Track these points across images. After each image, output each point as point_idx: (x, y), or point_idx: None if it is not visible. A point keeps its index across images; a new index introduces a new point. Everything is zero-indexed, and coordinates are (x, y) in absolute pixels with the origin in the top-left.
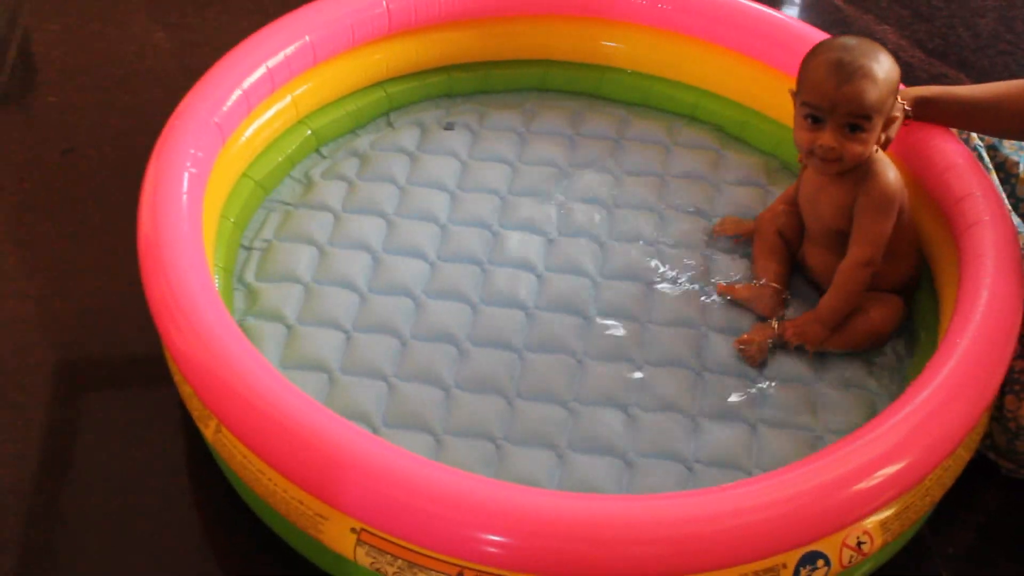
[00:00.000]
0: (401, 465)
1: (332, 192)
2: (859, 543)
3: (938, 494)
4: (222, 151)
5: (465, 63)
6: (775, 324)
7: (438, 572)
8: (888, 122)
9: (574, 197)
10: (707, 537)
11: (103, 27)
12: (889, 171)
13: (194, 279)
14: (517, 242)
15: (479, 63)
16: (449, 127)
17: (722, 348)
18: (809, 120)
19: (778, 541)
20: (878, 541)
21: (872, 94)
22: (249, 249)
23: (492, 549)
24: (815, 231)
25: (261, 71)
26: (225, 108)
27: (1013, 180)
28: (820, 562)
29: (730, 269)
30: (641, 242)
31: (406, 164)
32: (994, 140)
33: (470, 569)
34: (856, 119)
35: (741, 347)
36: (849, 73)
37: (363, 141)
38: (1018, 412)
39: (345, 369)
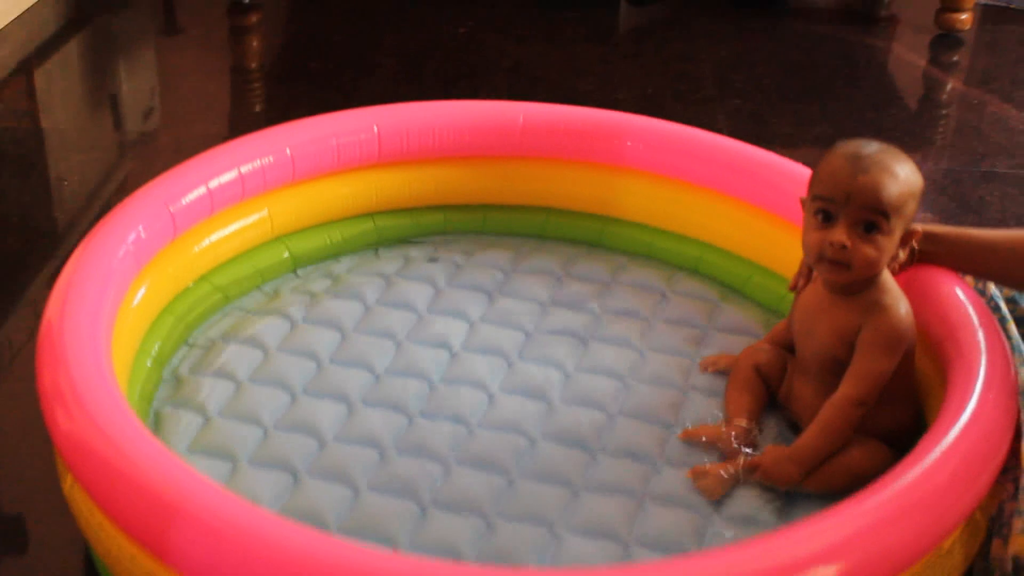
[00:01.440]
0: (242, 518)
1: (295, 302)
2: None
3: None
4: (179, 248)
5: (462, 204)
6: (740, 459)
7: None
8: (906, 237)
9: (547, 330)
10: None
11: None
12: (901, 305)
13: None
14: (476, 363)
15: (477, 205)
16: (434, 260)
17: (673, 480)
18: (820, 217)
19: None
20: None
21: (892, 189)
22: (191, 346)
23: None
24: (806, 357)
25: (232, 174)
26: (184, 201)
27: None
28: None
29: (703, 410)
30: (610, 377)
31: (380, 286)
32: (1014, 292)
33: None
34: (873, 214)
35: (695, 476)
36: (867, 165)
37: (342, 265)
38: (1004, 558)
39: (252, 461)
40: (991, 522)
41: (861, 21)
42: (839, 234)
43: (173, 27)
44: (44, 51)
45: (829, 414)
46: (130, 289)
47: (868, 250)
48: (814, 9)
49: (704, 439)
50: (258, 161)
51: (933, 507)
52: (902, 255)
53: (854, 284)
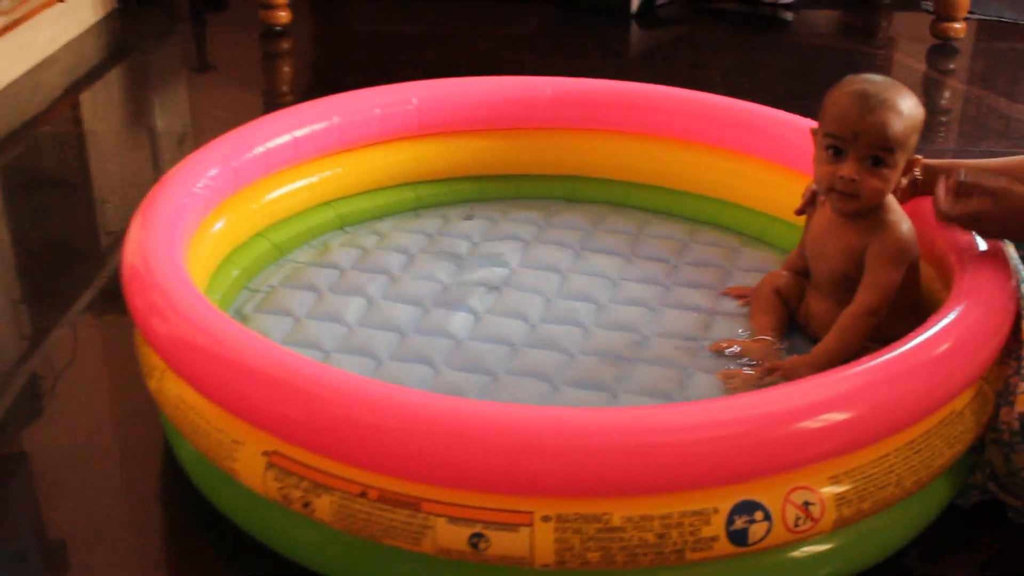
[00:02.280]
0: (312, 376)
1: (344, 254)
2: (806, 503)
3: (908, 481)
4: (239, 205)
5: (496, 174)
6: (765, 363)
7: (342, 492)
8: (909, 165)
9: (581, 271)
10: (616, 449)
11: None
12: (903, 223)
13: (160, 251)
14: (517, 298)
15: (510, 175)
16: (470, 218)
17: (705, 384)
18: (831, 152)
19: (705, 468)
20: (831, 514)
21: (897, 126)
22: (254, 291)
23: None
24: (820, 276)
25: (286, 137)
26: (246, 157)
27: None
28: (759, 514)
29: (730, 331)
30: (642, 306)
31: (422, 240)
32: None
33: (373, 488)
34: (879, 151)
35: (725, 378)
36: (875, 104)
37: (386, 224)
38: (1011, 420)
39: None
40: (998, 396)
41: (860, 34)
42: (848, 169)
43: (204, 63)
44: (90, 78)
45: (845, 323)
46: (195, 237)
47: (875, 182)
48: (815, 25)
49: (732, 350)
50: (308, 128)
51: (940, 367)
52: (904, 182)
53: (861, 210)
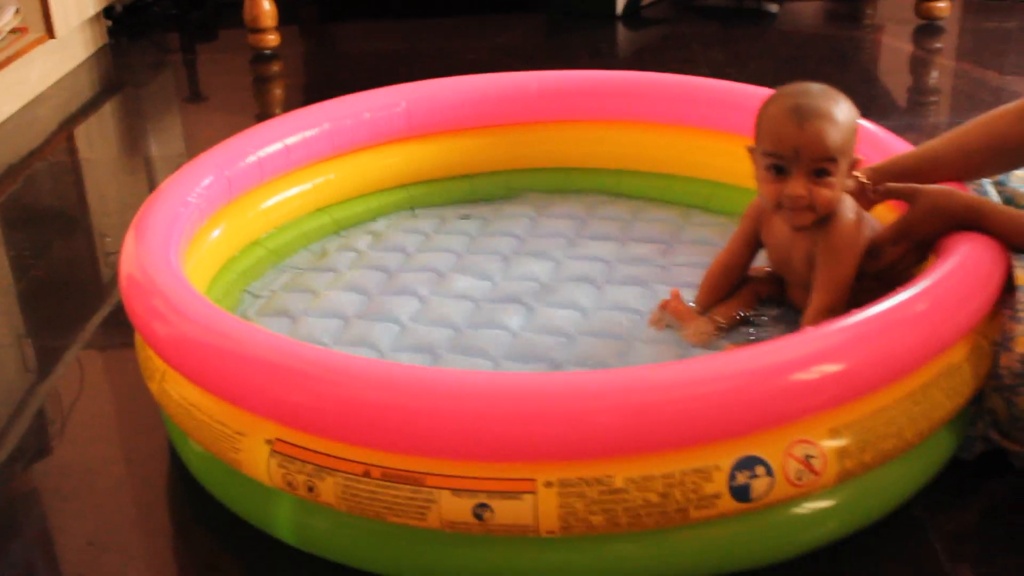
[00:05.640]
0: (310, 359)
1: (341, 257)
2: (807, 457)
3: (908, 432)
4: (235, 212)
5: (486, 172)
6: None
7: (345, 473)
8: (852, 166)
9: (576, 256)
10: (614, 409)
11: None
12: (850, 213)
13: (156, 254)
14: (514, 287)
15: (500, 171)
16: (466, 217)
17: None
18: (773, 171)
19: (704, 424)
20: (833, 467)
21: (835, 135)
22: (256, 296)
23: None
24: (794, 282)
25: (277, 145)
26: (239, 166)
27: None
28: (760, 468)
29: None
30: (638, 288)
31: (419, 239)
32: (1000, 176)
33: (376, 467)
34: (822, 163)
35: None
36: (810, 117)
37: (381, 224)
38: (1011, 363)
39: None
40: (996, 345)
41: (846, 20)
42: (795, 186)
43: (197, 93)
44: (84, 112)
45: (806, 326)
46: (191, 246)
47: (824, 192)
48: (800, 15)
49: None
50: (300, 135)
51: (930, 318)
52: (849, 183)
53: (818, 220)
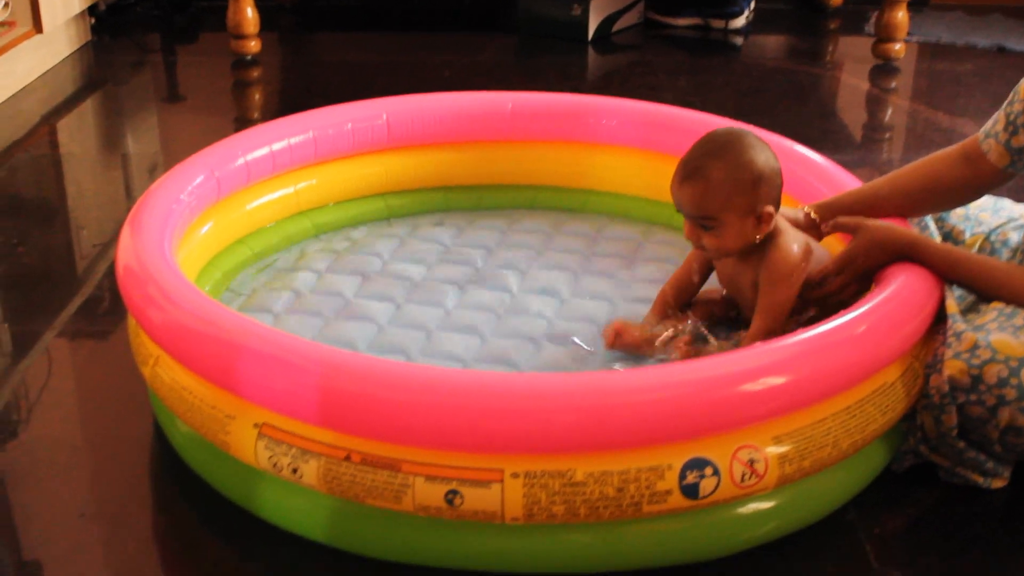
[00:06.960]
0: (299, 350)
1: (320, 259)
2: (751, 461)
3: (844, 443)
4: (223, 211)
5: (460, 185)
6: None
7: (328, 457)
8: (760, 218)
9: (541, 266)
10: (578, 409)
11: None
12: (792, 243)
13: (149, 242)
14: (482, 296)
15: (473, 186)
16: (439, 224)
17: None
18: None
19: (659, 426)
20: (774, 472)
21: (706, 197)
22: (236, 293)
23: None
24: (744, 306)
25: (263, 150)
26: (228, 167)
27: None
28: (708, 469)
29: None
30: (600, 300)
31: (394, 244)
32: (941, 212)
33: (356, 452)
34: (699, 219)
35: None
36: (685, 175)
37: (359, 231)
38: (940, 384)
39: None
40: (927, 368)
41: (807, 56)
42: (687, 231)
43: (175, 93)
44: (66, 107)
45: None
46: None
47: (712, 241)
48: (764, 48)
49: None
50: (285, 141)
51: (868, 340)
52: (762, 232)
53: (731, 253)
